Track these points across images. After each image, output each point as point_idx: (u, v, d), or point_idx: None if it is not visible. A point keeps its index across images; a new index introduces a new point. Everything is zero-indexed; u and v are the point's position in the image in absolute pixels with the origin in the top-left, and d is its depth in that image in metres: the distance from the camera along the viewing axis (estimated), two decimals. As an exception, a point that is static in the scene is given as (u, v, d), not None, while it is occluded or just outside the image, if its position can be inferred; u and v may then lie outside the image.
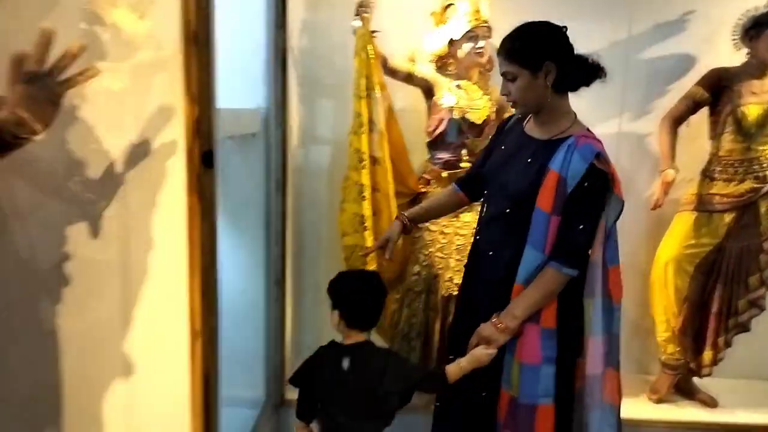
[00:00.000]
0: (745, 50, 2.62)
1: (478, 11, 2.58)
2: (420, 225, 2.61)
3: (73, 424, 1.59)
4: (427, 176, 2.70)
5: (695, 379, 2.87)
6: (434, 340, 2.70)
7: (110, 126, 1.46)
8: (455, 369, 1.81)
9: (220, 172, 1.58)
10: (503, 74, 1.81)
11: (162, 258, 1.53)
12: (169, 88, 1.45)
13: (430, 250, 2.65)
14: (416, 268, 2.68)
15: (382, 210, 2.61)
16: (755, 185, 2.61)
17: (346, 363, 1.78)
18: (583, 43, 2.84)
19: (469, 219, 2.59)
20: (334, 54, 2.90)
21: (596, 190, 1.73)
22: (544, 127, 1.83)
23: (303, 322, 3.07)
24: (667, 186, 2.69)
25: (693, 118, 2.74)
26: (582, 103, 2.91)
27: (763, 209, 2.65)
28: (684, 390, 2.88)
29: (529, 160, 1.80)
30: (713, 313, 2.71)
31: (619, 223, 1.83)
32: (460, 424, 1.97)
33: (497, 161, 1.91)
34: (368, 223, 2.54)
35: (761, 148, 2.61)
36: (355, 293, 1.83)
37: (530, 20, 1.82)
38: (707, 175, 2.71)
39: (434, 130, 2.62)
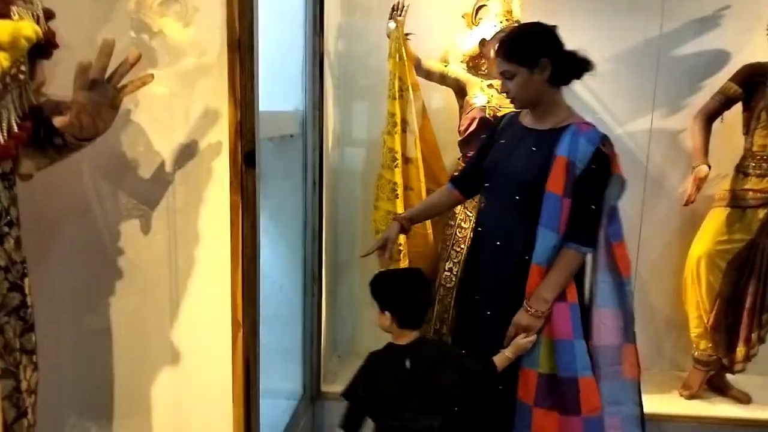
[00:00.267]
0: (780, 45, 2.60)
1: (510, 11, 2.63)
2: (451, 222, 2.70)
3: (124, 409, 1.71)
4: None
5: (728, 376, 2.86)
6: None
7: (160, 129, 1.57)
8: (502, 359, 1.89)
9: (260, 172, 1.66)
10: (502, 73, 1.93)
11: (207, 252, 1.63)
12: (214, 93, 1.54)
13: (462, 246, 2.70)
14: (449, 265, 2.73)
15: (414, 207, 2.67)
16: (789, 181, 2.60)
17: (407, 362, 1.81)
18: (615, 39, 2.88)
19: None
20: (369, 56, 2.99)
21: (603, 172, 1.86)
22: (543, 118, 1.94)
23: (337, 318, 3.16)
24: (700, 182, 2.70)
25: (728, 115, 2.75)
26: (615, 100, 2.95)
27: (796, 205, 2.63)
28: (717, 386, 2.88)
29: (534, 149, 1.91)
30: (746, 308, 2.69)
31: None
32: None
33: (500, 155, 2.00)
34: (401, 221, 2.60)
35: (795, 143, 2.59)
36: (406, 294, 1.84)
37: (542, 20, 1.93)
38: (741, 171, 2.70)
39: (466, 129, 2.67)
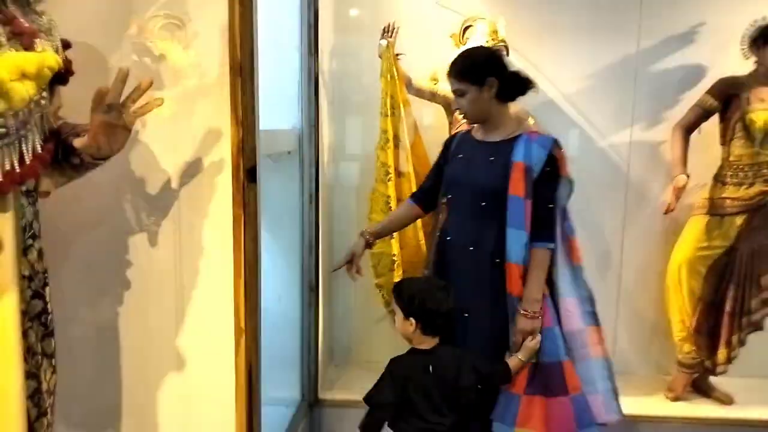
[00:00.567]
0: (753, 59, 2.71)
1: (495, 32, 2.74)
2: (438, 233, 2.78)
3: (131, 414, 1.77)
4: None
5: (711, 378, 2.93)
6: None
7: (166, 148, 1.66)
8: (516, 362, 1.99)
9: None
10: (454, 92, 2.10)
11: (211, 263, 1.70)
12: (215, 113, 1.63)
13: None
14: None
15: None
16: (765, 188, 2.69)
17: (430, 367, 1.88)
18: (595, 56, 2.99)
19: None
20: (361, 75, 3.09)
21: (555, 173, 2.03)
22: (495, 131, 2.11)
23: (333, 327, 3.22)
24: (679, 191, 2.78)
25: (706, 126, 2.83)
26: (597, 114, 3.06)
27: (773, 211, 2.71)
28: (700, 388, 2.94)
29: (491, 159, 2.06)
30: (726, 312, 2.75)
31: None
32: None
33: (459, 168, 2.15)
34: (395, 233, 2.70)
35: (770, 152, 2.68)
36: (432, 302, 1.88)
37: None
38: (719, 180, 2.79)
39: (455, 145, 2.77)
